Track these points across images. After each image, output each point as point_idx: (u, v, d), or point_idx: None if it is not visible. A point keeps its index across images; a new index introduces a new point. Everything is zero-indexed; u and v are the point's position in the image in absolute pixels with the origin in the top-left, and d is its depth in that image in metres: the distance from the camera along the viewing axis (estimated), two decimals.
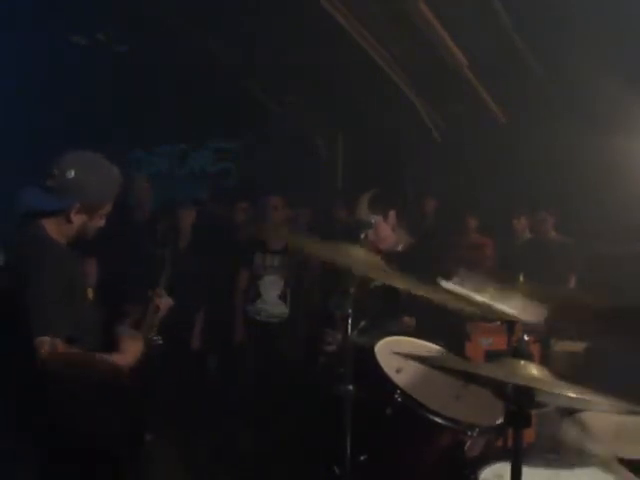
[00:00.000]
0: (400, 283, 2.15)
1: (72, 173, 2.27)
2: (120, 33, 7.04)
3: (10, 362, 2.18)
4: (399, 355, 2.22)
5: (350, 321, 2.14)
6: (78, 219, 2.31)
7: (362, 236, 2.28)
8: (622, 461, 2.08)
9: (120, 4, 6.18)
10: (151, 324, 2.60)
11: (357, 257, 2.13)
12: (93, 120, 7.74)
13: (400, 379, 2.26)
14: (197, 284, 4.89)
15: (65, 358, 2.13)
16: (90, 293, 2.35)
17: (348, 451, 2.07)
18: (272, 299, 5.00)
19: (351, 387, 2.06)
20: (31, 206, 2.29)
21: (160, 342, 2.68)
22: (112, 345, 2.37)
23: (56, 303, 2.15)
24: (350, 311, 2.14)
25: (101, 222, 2.42)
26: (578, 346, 5.15)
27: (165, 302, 2.67)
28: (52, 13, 6.41)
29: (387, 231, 3.78)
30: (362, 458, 2.17)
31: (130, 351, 2.35)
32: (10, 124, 7.17)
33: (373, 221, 3.81)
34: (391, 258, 2.64)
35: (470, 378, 1.84)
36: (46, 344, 2.08)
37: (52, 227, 2.30)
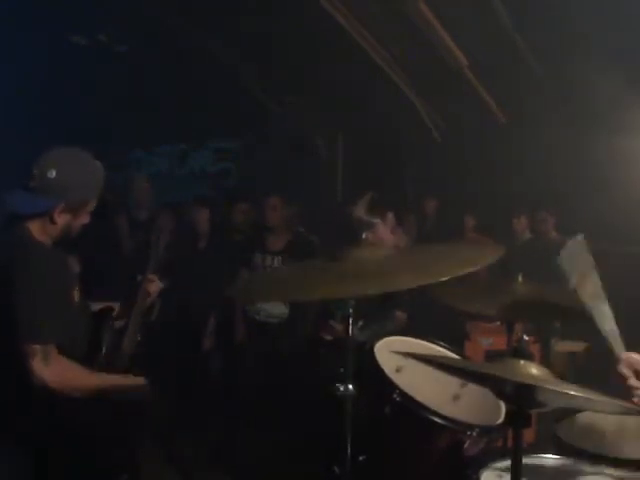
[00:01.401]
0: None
1: (53, 173, 2.20)
2: (120, 33, 7.05)
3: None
4: (399, 354, 2.21)
5: (351, 321, 2.14)
6: (62, 219, 2.26)
7: (363, 236, 2.27)
8: (623, 461, 2.08)
9: (120, 4, 6.19)
10: (141, 309, 2.56)
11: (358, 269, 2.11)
12: (93, 120, 7.75)
13: (399, 379, 2.26)
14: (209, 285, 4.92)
15: (59, 371, 2.10)
16: (76, 295, 2.31)
17: (348, 451, 2.06)
18: None
19: (351, 387, 2.06)
20: (14, 209, 2.24)
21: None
22: (97, 349, 2.37)
23: (45, 309, 2.11)
24: (351, 311, 2.14)
25: (86, 219, 2.36)
26: (578, 346, 5.15)
27: (155, 286, 2.63)
28: (52, 13, 6.42)
29: (386, 234, 3.79)
30: (361, 458, 2.17)
31: (128, 383, 2.35)
32: (10, 124, 7.18)
33: (375, 221, 3.83)
34: None
35: (471, 377, 1.84)
36: (38, 352, 2.06)
37: (37, 228, 2.24)
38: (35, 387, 2.08)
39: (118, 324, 2.59)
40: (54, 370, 2.08)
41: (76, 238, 2.38)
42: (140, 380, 2.38)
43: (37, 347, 2.06)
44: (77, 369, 2.18)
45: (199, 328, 5.12)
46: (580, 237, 2.02)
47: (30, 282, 2.12)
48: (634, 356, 1.91)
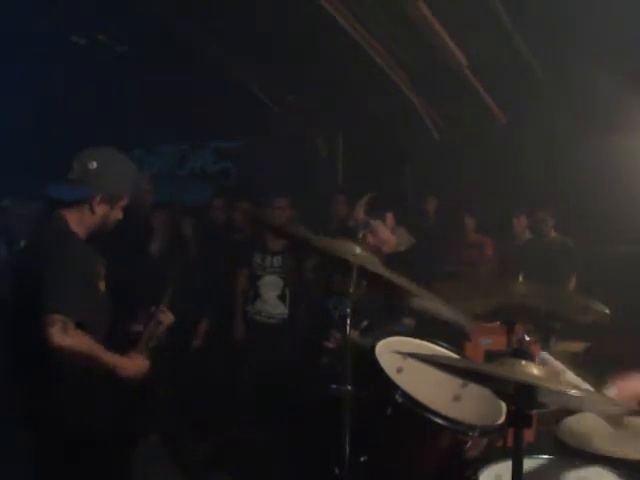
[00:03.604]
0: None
1: (94, 164, 2.37)
2: (120, 33, 7.04)
3: (23, 339, 2.27)
4: (400, 354, 2.22)
5: (349, 321, 2.14)
6: (101, 209, 2.41)
7: (360, 235, 2.28)
8: (622, 462, 2.08)
9: (120, 4, 6.18)
10: (152, 338, 2.63)
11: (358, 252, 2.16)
12: (93, 120, 7.74)
13: (400, 379, 2.26)
14: (201, 288, 4.90)
15: (75, 341, 2.19)
16: (102, 285, 2.41)
17: (348, 451, 2.06)
18: (271, 299, 5.01)
19: (351, 387, 2.06)
20: (55, 198, 2.40)
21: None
22: (116, 341, 2.42)
23: (73, 288, 2.23)
24: (349, 311, 2.14)
25: (120, 214, 2.52)
26: (578, 346, 5.15)
27: (168, 318, 2.70)
28: (52, 13, 6.41)
29: (386, 234, 3.80)
30: (362, 459, 2.17)
31: (134, 365, 2.41)
32: (10, 124, 7.17)
33: (372, 222, 3.83)
34: (393, 259, 2.64)
35: (472, 376, 1.84)
36: (58, 322, 2.15)
37: (74, 218, 2.39)
38: (49, 368, 2.19)
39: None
40: (71, 339, 2.17)
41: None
42: (145, 362, 2.45)
43: (57, 317, 2.16)
44: (92, 343, 2.26)
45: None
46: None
47: (61, 262, 2.26)
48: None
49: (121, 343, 2.48)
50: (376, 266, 2.20)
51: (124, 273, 4.43)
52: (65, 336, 2.15)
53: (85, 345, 2.22)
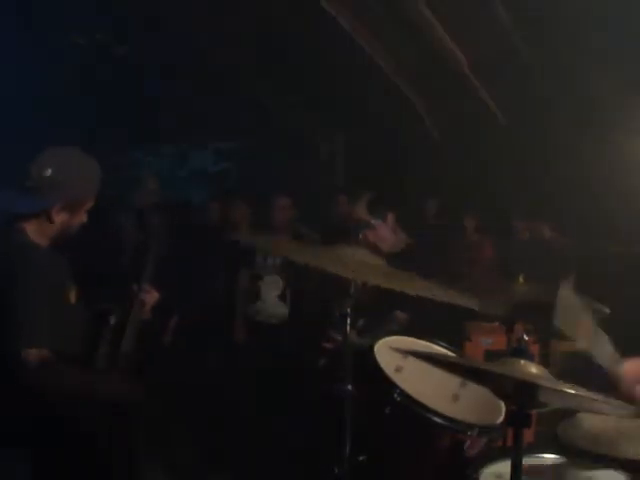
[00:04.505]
0: (402, 285, 2.15)
1: (49, 171, 2.19)
2: (120, 33, 7.05)
3: None
4: (399, 352, 2.22)
5: (349, 321, 2.14)
6: (60, 218, 2.25)
7: (360, 236, 2.28)
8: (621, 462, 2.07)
9: (120, 4, 6.18)
10: (137, 319, 2.52)
11: (357, 259, 2.14)
12: (93, 120, 7.74)
13: (399, 378, 2.26)
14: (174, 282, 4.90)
15: (59, 376, 2.10)
16: (73, 296, 2.28)
17: (347, 451, 2.06)
18: (272, 299, 5.00)
19: (351, 387, 2.06)
20: (11, 209, 2.23)
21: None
22: (95, 349, 2.36)
23: (42, 313, 2.09)
24: (349, 311, 2.14)
25: (83, 218, 2.35)
26: None
27: (151, 296, 2.58)
28: (52, 13, 6.41)
29: (387, 233, 3.82)
30: (361, 458, 2.17)
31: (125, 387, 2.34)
32: (9, 124, 7.17)
33: (373, 222, 3.85)
34: (391, 259, 2.62)
35: (471, 375, 1.84)
36: (35, 356, 2.03)
37: (33, 229, 2.22)
38: (31, 388, 2.06)
39: (116, 324, 2.58)
40: (50, 374, 2.07)
41: (78, 239, 2.38)
42: (138, 387, 2.36)
43: (33, 351, 2.04)
44: (73, 374, 2.17)
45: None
46: (565, 288, 2.06)
47: (26, 286, 2.10)
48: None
49: (102, 341, 2.43)
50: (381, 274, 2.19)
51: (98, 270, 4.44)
52: (43, 371, 2.03)
53: (66, 377, 2.13)
